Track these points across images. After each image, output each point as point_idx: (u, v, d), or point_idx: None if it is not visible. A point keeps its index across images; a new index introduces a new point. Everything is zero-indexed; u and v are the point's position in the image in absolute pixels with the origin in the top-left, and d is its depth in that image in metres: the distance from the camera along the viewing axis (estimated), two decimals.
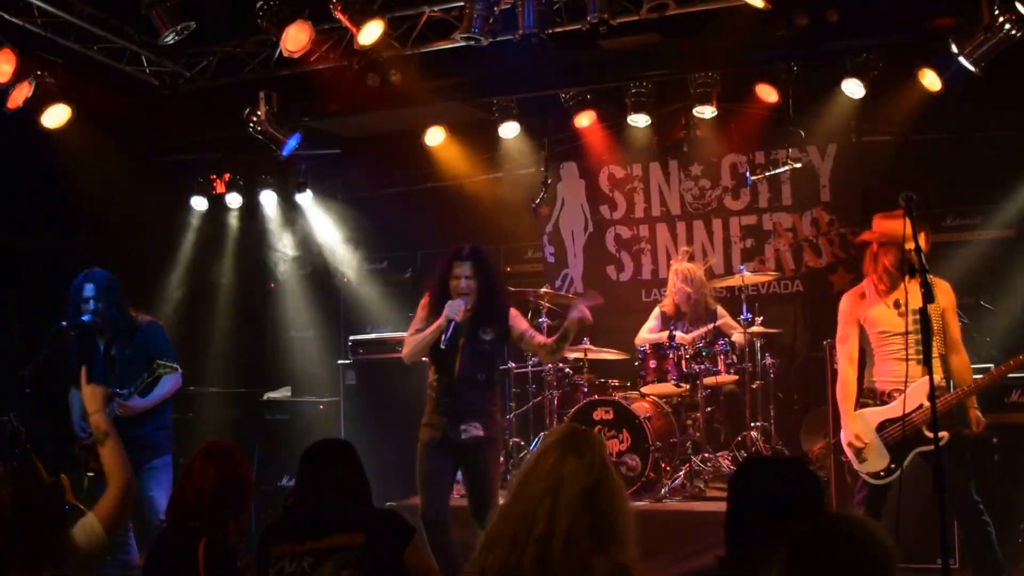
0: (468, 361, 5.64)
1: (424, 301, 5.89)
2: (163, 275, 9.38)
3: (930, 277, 5.09)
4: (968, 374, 5.41)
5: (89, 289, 5.96)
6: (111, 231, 8.71)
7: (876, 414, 5.39)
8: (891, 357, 5.39)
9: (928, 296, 4.57)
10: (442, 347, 5.52)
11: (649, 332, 8.34)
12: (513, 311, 5.80)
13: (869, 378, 5.55)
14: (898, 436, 5.21)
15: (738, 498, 2.96)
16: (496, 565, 2.86)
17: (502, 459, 6.68)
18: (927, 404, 4.90)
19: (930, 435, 5.05)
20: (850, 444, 5.43)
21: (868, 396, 5.51)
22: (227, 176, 9.51)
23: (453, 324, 5.52)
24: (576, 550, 2.77)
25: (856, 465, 5.43)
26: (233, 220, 9.80)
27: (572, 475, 2.85)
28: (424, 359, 5.88)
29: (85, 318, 5.91)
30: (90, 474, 5.72)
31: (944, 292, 5.39)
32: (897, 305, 5.40)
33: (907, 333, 5.24)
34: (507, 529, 2.88)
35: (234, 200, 9.54)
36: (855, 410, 5.51)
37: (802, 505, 2.83)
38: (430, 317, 5.75)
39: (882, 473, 5.33)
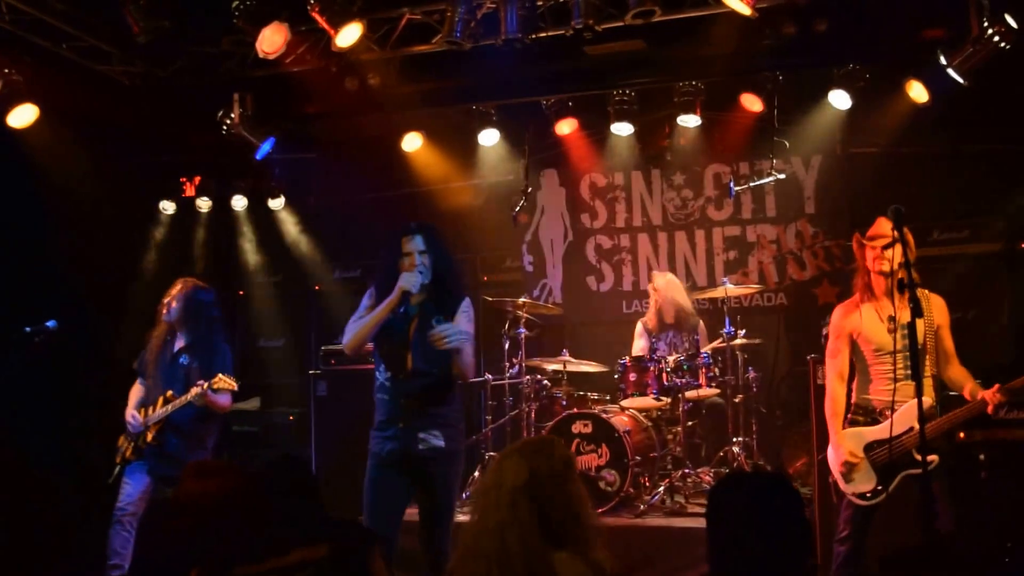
0: (421, 355, 4.78)
1: (369, 292, 5.06)
2: (129, 279, 9.11)
3: (924, 292, 5.19)
4: (968, 380, 5.19)
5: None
6: (76, 233, 8.48)
7: (866, 434, 5.22)
8: (886, 376, 5.22)
9: (916, 311, 4.48)
10: (397, 316, 4.74)
11: (641, 352, 8.18)
12: (468, 302, 4.95)
13: (861, 393, 5.35)
14: (886, 458, 5.08)
15: (717, 515, 2.91)
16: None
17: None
18: (917, 428, 4.83)
19: (920, 458, 4.83)
20: (845, 462, 5.23)
21: (859, 412, 5.32)
22: (197, 179, 9.28)
23: (408, 297, 4.75)
24: (530, 544, 2.87)
25: (843, 484, 5.25)
26: (202, 224, 9.55)
27: (512, 471, 2.99)
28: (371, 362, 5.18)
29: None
30: (121, 463, 6.06)
31: (938, 308, 5.28)
32: (891, 320, 5.24)
33: (895, 352, 5.13)
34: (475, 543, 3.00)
35: (203, 204, 9.32)
36: (844, 428, 5.32)
37: (783, 521, 2.82)
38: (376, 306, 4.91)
39: (868, 494, 5.15)
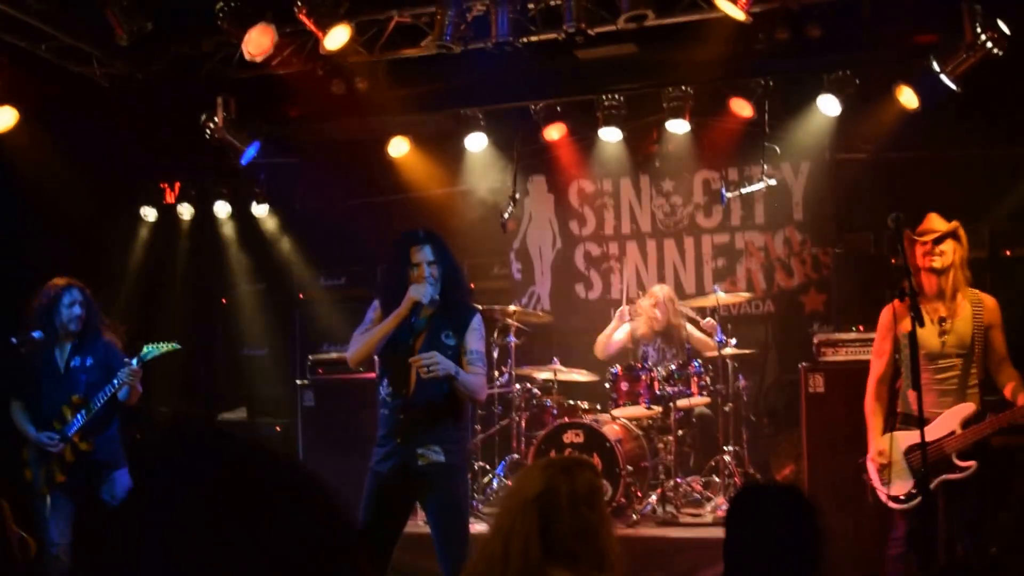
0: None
1: (373, 306, 4.86)
2: (109, 288, 8.93)
3: (976, 293, 5.14)
4: (1012, 381, 5.03)
5: (75, 294, 5.83)
6: (53, 239, 8.31)
7: (906, 437, 5.10)
8: (933, 384, 5.03)
9: (918, 319, 4.61)
10: (403, 329, 4.58)
11: (609, 336, 8.05)
12: (479, 319, 4.79)
13: (906, 402, 5.12)
14: (923, 461, 4.88)
15: (736, 528, 2.98)
16: None
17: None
18: (959, 431, 4.94)
19: (959, 463, 4.96)
20: (873, 459, 5.15)
21: (906, 422, 5.11)
22: (178, 185, 9.13)
23: (418, 306, 4.57)
24: (530, 554, 2.89)
25: (879, 485, 5.13)
26: (184, 231, 9.39)
27: (530, 482, 3.01)
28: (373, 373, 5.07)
29: (36, 334, 5.67)
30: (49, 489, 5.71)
31: (989, 309, 5.10)
32: (942, 322, 5.07)
33: (943, 356, 5.04)
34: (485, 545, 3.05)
35: (185, 210, 9.18)
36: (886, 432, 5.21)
37: (799, 532, 2.90)
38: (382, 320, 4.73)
39: (903, 497, 5.06)
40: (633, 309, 8.07)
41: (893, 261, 5.19)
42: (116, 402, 5.80)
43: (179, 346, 5.93)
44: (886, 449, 5.09)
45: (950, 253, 5.08)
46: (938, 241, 5.07)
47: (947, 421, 4.94)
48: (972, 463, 4.88)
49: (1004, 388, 5.04)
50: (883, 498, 5.11)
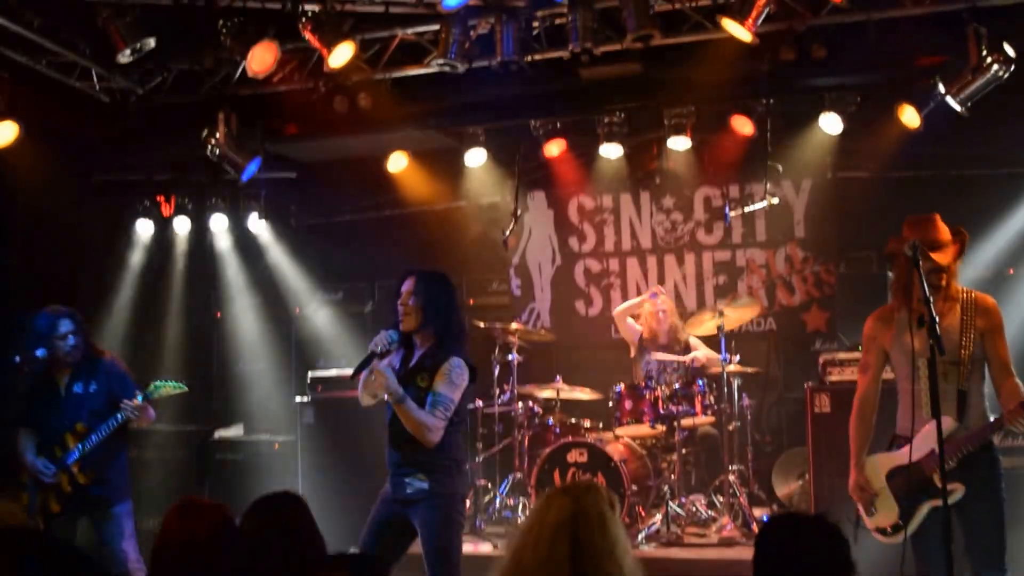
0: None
1: None
2: (104, 301, 8.87)
3: (974, 295, 4.70)
4: (1014, 397, 4.52)
5: (67, 325, 5.68)
6: (50, 253, 8.25)
7: (886, 460, 4.72)
8: (921, 397, 4.55)
9: (938, 347, 4.21)
10: (351, 375, 4.80)
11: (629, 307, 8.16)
12: (453, 363, 4.71)
13: (901, 420, 4.73)
14: (906, 487, 4.59)
15: (765, 559, 2.95)
16: None
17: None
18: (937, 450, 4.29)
19: (942, 487, 4.31)
20: (858, 487, 4.75)
21: (900, 444, 4.70)
22: (174, 199, 9.06)
23: (371, 355, 4.71)
24: None
25: (865, 518, 4.76)
26: (181, 245, 9.32)
27: (556, 507, 2.94)
28: None
29: (39, 353, 5.57)
30: (45, 520, 5.58)
31: (984, 311, 4.64)
32: (921, 323, 4.39)
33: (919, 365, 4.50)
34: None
35: (182, 223, 9.11)
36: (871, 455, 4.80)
37: (831, 565, 2.87)
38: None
39: (889, 529, 4.67)
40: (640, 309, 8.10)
41: (896, 283, 4.85)
42: (122, 433, 5.72)
43: (186, 388, 5.83)
44: (869, 478, 4.73)
45: (953, 265, 4.70)
46: (935, 249, 4.63)
47: (926, 439, 4.43)
48: (958, 485, 4.41)
49: (999, 399, 4.59)
50: (872, 532, 4.76)
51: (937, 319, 4.23)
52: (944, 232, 4.75)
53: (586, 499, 3.00)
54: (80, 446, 5.60)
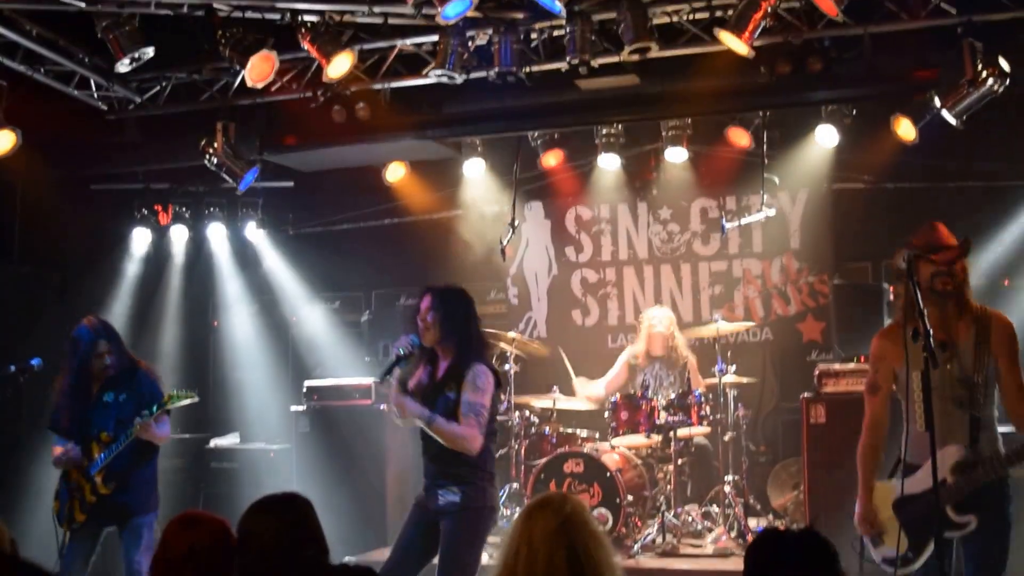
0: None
1: None
2: (101, 309, 8.86)
3: (990, 312, 4.42)
4: None
5: (103, 345, 5.68)
6: (48, 261, 8.27)
7: (895, 489, 4.44)
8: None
9: (933, 362, 3.96)
10: (378, 379, 5.06)
11: (606, 384, 8.10)
12: (478, 370, 4.86)
13: (907, 448, 4.47)
14: (918, 517, 4.28)
15: (754, 571, 2.89)
16: None
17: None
18: (951, 479, 4.24)
19: (956, 519, 4.24)
20: (865, 519, 4.49)
21: (907, 473, 4.44)
22: (172, 207, 9.09)
23: (396, 359, 4.89)
24: None
25: (871, 548, 4.51)
26: (178, 253, 9.33)
27: (542, 517, 2.97)
28: None
29: (34, 362, 5.59)
30: (68, 527, 5.57)
31: (997, 331, 4.33)
32: (944, 348, 4.22)
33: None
34: None
35: (179, 232, 9.13)
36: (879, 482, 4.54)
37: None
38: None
39: (897, 561, 4.33)
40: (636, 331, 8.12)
41: (894, 295, 4.94)
42: (150, 445, 5.70)
43: (197, 398, 5.82)
44: (877, 507, 4.47)
45: (961, 273, 4.38)
46: (953, 261, 4.35)
47: (940, 467, 4.08)
48: (971, 517, 4.20)
49: (1017, 427, 4.36)
50: (877, 562, 4.51)
51: (946, 344, 4.16)
52: (946, 236, 4.52)
53: (566, 507, 3.04)
54: (103, 455, 5.57)
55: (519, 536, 3.04)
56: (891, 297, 6.85)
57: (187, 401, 5.71)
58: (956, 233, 4.63)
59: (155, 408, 5.54)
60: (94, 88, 7.68)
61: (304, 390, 8.30)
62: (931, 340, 3.96)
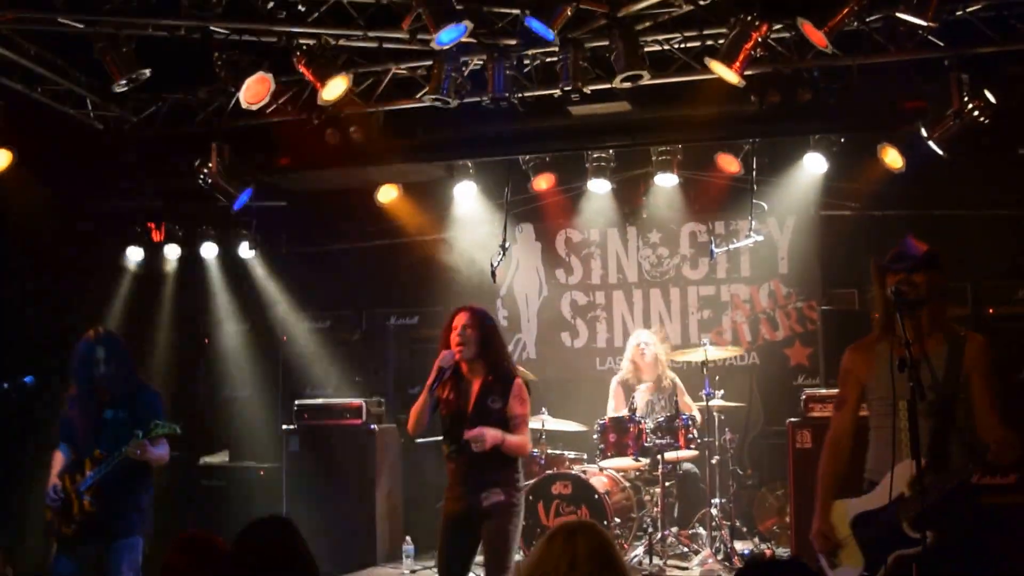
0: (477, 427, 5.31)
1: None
2: (94, 326, 8.87)
3: (963, 332, 4.33)
4: (1009, 449, 4.04)
5: (100, 352, 5.62)
6: (41, 278, 8.29)
7: (852, 506, 4.33)
8: (899, 436, 4.18)
9: (919, 392, 3.91)
10: (431, 393, 5.26)
11: (617, 410, 8.14)
12: (519, 384, 5.35)
13: (872, 463, 4.37)
14: (874, 534, 4.21)
15: None
16: None
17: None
18: (908, 494, 4.10)
19: (913, 535, 4.09)
20: (821, 535, 4.34)
21: (869, 490, 4.33)
22: (165, 226, 9.12)
23: (442, 371, 5.24)
24: None
25: (826, 568, 4.35)
26: (171, 271, 9.37)
27: (585, 536, 2.99)
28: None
29: (27, 380, 5.59)
30: (57, 542, 5.54)
31: (971, 349, 4.24)
32: (903, 365, 4.01)
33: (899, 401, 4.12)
34: None
35: (172, 250, 9.18)
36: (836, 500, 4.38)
37: None
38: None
39: None
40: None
41: (875, 317, 4.48)
42: (143, 467, 5.63)
43: (178, 431, 5.77)
44: (835, 524, 4.34)
45: (924, 284, 4.25)
46: (913, 269, 4.27)
47: (896, 482, 4.11)
48: (929, 534, 3.99)
49: (981, 435, 4.18)
50: None
51: (915, 358, 3.96)
52: (914, 247, 4.42)
53: (605, 533, 3.09)
54: (92, 473, 5.52)
55: (559, 555, 3.03)
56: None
57: (167, 431, 5.61)
58: (943, 261, 4.43)
59: (141, 433, 5.48)
60: (90, 108, 7.73)
61: (295, 409, 8.34)
62: (919, 371, 3.94)
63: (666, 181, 8.47)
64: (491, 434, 5.17)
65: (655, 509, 7.63)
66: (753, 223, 8.08)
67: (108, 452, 5.52)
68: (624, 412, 7.75)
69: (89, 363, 5.60)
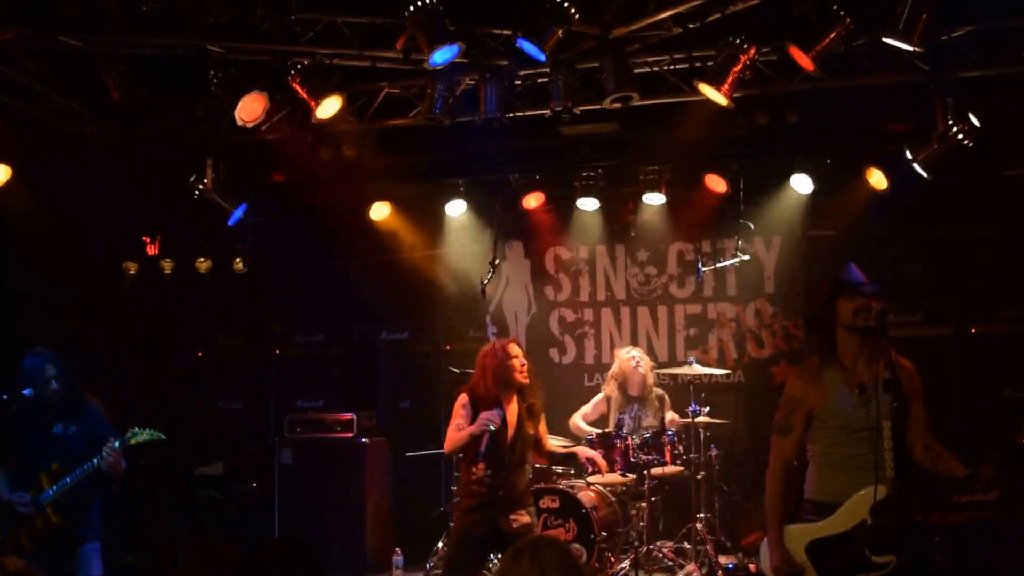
0: (516, 453, 5.76)
1: (463, 400, 5.80)
2: (90, 339, 8.93)
3: (895, 356, 4.24)
4: (954, 463, 4.21)
5: (51, 369, 5.69)
6: (38, 292, 8.34)
7: (805, 532, 4.25)
8: (849, 462, 4.18)
9: (903, 410, 4.06)
10: (480, 452, 5.58)
11: (583, 418, 8.22)
12: (538, 408, 5.93)
13: (816, 486, 4.31)
14: (834, 561, 4.16)
15: None
16: None
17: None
18: (870, 520, 4.11)
19: (876, 559, 4.09)
20: (777, 568, 4.23)
21: (811, 511, 4.28)
22: (159, 239, 9.20)
23: (488, 434, 5.57)
24: None
25: None
26: (165, 285, 9.43)
27: (552, 552, 2.97)
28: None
29: (27, 392, 5.63)
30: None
31: (908, 374, 4.29)
32: (862, 391, 4.14)
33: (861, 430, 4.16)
34: None
35: (167, 264, 9.24)
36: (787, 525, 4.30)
37: None
38: (472, 415, 5.76)
39: None
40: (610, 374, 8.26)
41: (820, 341, 4.42)
42: (99, 477, 5.66)
43: (163, 437, 5.85)
44: (791, 551, 4.23)
45: (881, 311, 4.23)
46: (874, 295, 4.26)
47: (855, 508, 4.12)
48: (890, 558, 4.04)
49: (916, 452, 4.28)
50: None
51: (879, 382, 4.07)
52: (861, 274, 4.43)
53: (567, 547, 3.16)
54: (54, 487, 5.57)
55: (526, 572, 3.01)
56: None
57: (151, 439, 5.71)
58: (926, 280, 4.64)
59: (118, 443, 5.54)
60: (88, 124, 7.81)
61: (287, 422, 8.41)
62: (903, 389, 4.04)
63: (654, 200, 8.58)
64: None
65: (641, 523, 7.70)
66: (740, 243, 8.19)
67: (65, 466, 5.56)
68: (591, 415, 8.05)
69: (40, 380, 5.65)
